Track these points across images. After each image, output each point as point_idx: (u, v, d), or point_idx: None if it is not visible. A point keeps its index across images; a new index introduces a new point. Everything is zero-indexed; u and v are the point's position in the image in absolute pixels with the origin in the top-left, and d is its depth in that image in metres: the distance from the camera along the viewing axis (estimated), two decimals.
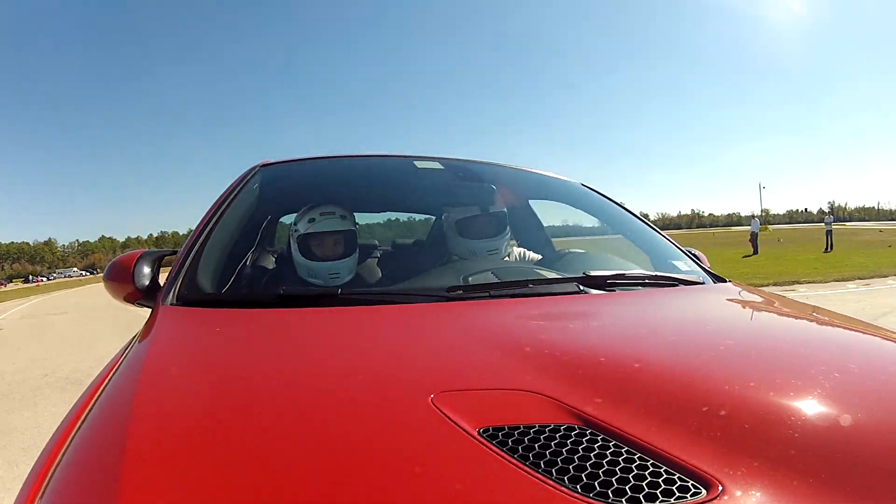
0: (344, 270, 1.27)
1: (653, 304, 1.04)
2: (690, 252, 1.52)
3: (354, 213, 1.41)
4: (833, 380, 0.64)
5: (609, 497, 0.41)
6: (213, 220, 1.18)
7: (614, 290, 1.08)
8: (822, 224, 19.20)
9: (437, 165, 1.67)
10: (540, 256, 1.61)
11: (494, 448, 0.46)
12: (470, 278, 1.10)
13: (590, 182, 1.81)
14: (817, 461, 0.46)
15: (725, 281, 1.33)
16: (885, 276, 9.37)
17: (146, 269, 1.14)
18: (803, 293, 7.84)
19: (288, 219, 1.54)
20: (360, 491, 0.41)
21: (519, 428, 0.48)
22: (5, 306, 19.79)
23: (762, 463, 0.44)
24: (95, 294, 19.97)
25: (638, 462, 0.44)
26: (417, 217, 2.24)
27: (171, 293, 0.94)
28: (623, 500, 0.41)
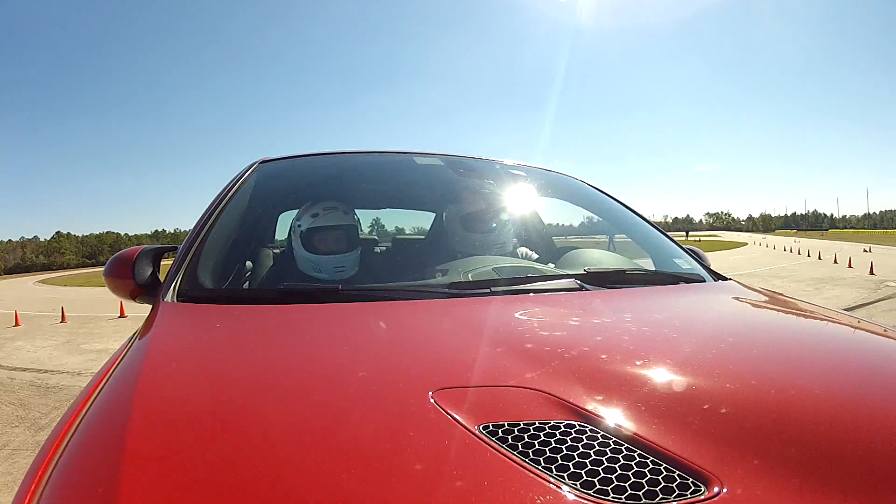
0: (349, 264, 1.28)
1: (654, 301, 1.04)
2: (692, 250, 1.52)
3: (354, 209, 1.41)
4: (834, 378, 0.64)
5: (609, 494, 0.41)
6: (213, 216, 1.18)
7: (615, 288, 1.08)
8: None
9: (436, 161, 1.67)
10: (541, 253, 1.60)
11: (494, 445, 0.45)
12: (471, 275, 1.10)
13: None
14: (818, 459, 0.45)
15: (727, 279, 1.32)
16: None
17: (146, 266, 1.14)
18: None
19: (287, 215, 1.53)
20: (361, 487, 0.41)
21: (519, 425, 0.48)
22: None
23: (762, 461, 0.44)
24: None
25: (638, 459, 0.44)
26: (417, 213, 2.23)
27: (171, 289, 0.94)
28: (623, 497, 0.41)
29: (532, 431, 0.48)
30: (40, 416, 3.71)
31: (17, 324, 8.82)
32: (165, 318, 0.86)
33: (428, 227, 2.12)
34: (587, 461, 0.44)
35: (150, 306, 0.98)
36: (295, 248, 1.31)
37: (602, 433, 0.48)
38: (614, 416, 0.50)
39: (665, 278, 1.24)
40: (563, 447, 0.46)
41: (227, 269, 1.12)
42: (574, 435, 0.47)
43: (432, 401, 0.52)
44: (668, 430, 0.48)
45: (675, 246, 1.48)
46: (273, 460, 0.43)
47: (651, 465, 0.44)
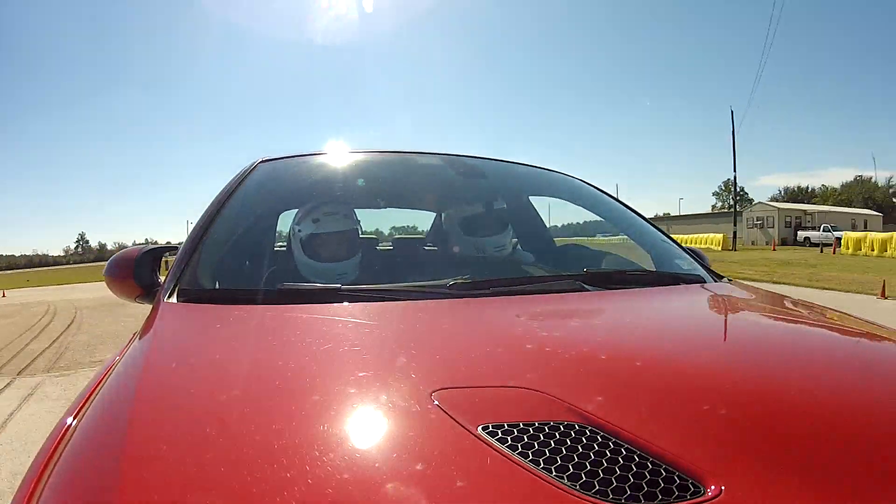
0: (350, 270, 1.26)
1: (654, 302, 1.04)
2: (692, 250, 1.52)
3: (354, 210, 1.41)
4: (834, 378, 0.64)
5: (608, 495, 0.41)
6: (213, 216, 1.18)
7: (615, 289, 1.08)
8: None
9: (436, 161, 1.67)
10: (541, 253, 1.60)
11: (495, 445, 0.46)
12: (471, 275, 1.10)
13: None
14: (817, 460, 0.45)
15: (726, 279, 1.32)
16: None
17: (147, 266, 1.15)
18: None
19: (287, 215, 1.53)
20: (361, 487, 0.41)
21: (519, 425, 0.48)
22: None
23: (763, 462, 0.44)
24: None
25: (637, 460, 0.44)
26: (417, 213, 2.24)
27: (172, 290, 0.94)
28: (622, 498, 0.41)
29: (532, 432, 0.48)
30: None
31: None
32: (166, 318, 0.86)
33: (428, 227, 2.13)
34: (587, 462, 0.44)
35: (151, 306, 0.98)
36: (295, 253, 1.30)
37: (602, 434, 0.48)
38: (614, 417, 0.50)
39: (665, 279, 1.24)
40: (563, 448, 0.46)
41: (227, 269, 1.12)
42: (574, 436, 0.47)
43: (433, 401, 0.52)
44: (668, 430, 0.48)
45: (675, 246, 1.49)
46: (273, 460, 0.43)
47: (651, 466, 0.44)
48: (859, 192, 52.62)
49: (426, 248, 1.90)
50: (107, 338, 5.82)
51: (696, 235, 27.84)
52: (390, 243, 1.92)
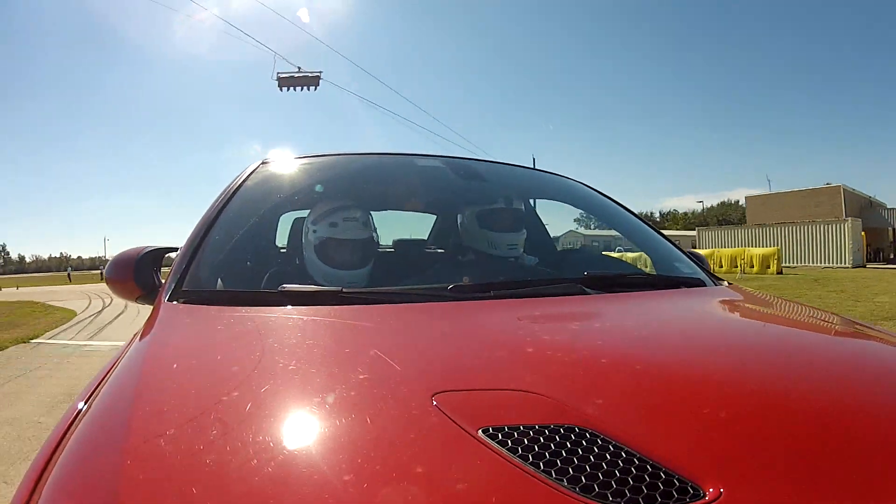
0: (360, 280, 1.22)
1: (654, 305, 1.04)
2: (692, 254, 1.52)
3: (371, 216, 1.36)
4: (833, 382, 0.64)
5: (608, 498, 0.41)
6: (215, 216, 1.18)
7: (616, 292, 1.08)
8: None
9: (437, 163, 1.67)
10: (542, 256, 1.61)
11: (495, 448, 0.46)
12: (472, 278, 1.10)
13: None
14: (817, 464, 0.46)
15: (726, 283, 1.33)
16: None
17: (148, 267, 1.15)
18: None
19: (288, 216, 1.53)
20: (362, 489, 0.41)
21: (519, 428, 0.48)
22: None
23: (762, 465, 0.44)
24: None
25: (637, 463, 0.44)
26: (418, 215, 2.24)
27: (173, 290, 0.94)
28: (622, 501, 0.41)
29: (533, 435, 0.48)
30: None
31: None
32: (167, 319, 0.86)
33: (429, 230, 2.13)
34: (587, 465, 0.44)
35: (152, 307, 0.98)
36: (305, 251, 1.26)
37: (602, 437, 0.48)
38: (614, 420, 0.50)
39: (665, 282, 1.24)
40: (563, 451, 0.46)
41: (228, 271, 1.12)
42: (574, 439, 0.47)
43: (434, 403, 0.52)
44: (668, 434, 0.49)
45: (676, 249, 1.49)
46: (273, 462, 0.43)
47: (650, 469, 0.44)
48: (720, 213, 59.83)
49: (427, 250, 1.90)
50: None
51: None
52: (391, 245, 1.92)
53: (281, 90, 12.94)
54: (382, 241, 1.98)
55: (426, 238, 2.07)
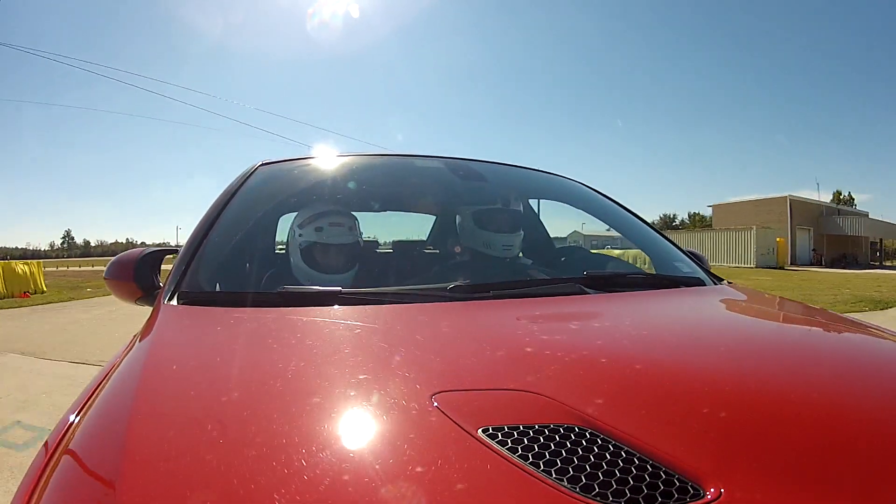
0: (344, 283, 1.22)
1: (653, 305, 1.04)
2: (691, 253, 1.52)
3: (357, 220, 1.38)
4: (833, 381, 0.64)
5: (608, 498, 0.41)
6: (214, 218, 1.18)
7: (615, 291, 1.08)
8: None
9: (436, 164, 1.67)
10: (541, 256, 1.61)
11: (495, 448, 0.46)
12: (471, 278, 1.10)
13: None
14: (817, 463, 0.45)
15: (726, 282, 1.33)
16: None
17: (147, 268, 1.15)
18: None
19: (287, 218, 1.53)
20: (362, 489, 0.41)
21: (519, 428, 0.48)
22: None
23: (762, 464, 0.44)
24: None
25: (637, 463, 0.44)
26: (417, 216, 2.24)
27: (172, 292, 0.94)
28: (622, 500, 0.41)
29: (533, 435, 0.48)
30: None
31: None
32: (166, 321, 0.86)
33: (428, 231, 2.13)
34: (587, 464, 0.44)
35: (152, 308, 0.98)
36: (291, 255, 1.28)
37: (602, 436, 0.48)
38: (614, 420, 0.50)
39: (664, 282, 1.24)
40: (563, 450, 0.46)
41: (228, 272, 1.12)
42: (574, 438, 0.47)
43: (434, 404, 0.52)
44: (668, 433, 0.48)
45: (675, 249, 1.49)
46: (273, 463, 0.43)
47: (650, 469, 0.44)
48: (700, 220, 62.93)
49: (426, 251, 1.90)
50: None
51: None
52: (390, 246, 1.92)
53: None
54: (382, 242, 1.98)
55: (425, 238, 2.07)
